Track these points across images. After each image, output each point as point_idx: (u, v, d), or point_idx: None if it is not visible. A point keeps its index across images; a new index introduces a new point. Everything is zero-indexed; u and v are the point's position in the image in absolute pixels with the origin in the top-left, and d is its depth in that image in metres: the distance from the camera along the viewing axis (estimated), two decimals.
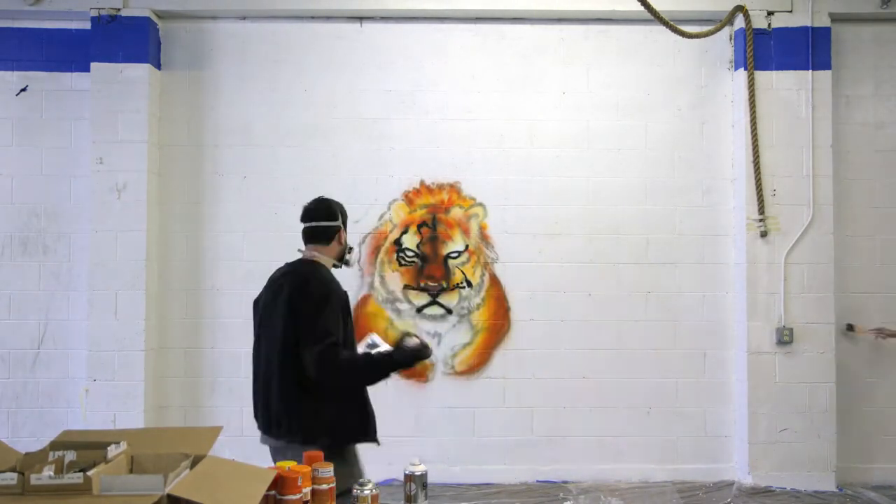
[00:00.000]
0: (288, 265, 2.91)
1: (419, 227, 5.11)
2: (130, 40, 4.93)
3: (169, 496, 1.63)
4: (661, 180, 5.12)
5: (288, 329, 2.66)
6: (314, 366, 2.58)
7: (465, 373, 5.06)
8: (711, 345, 5.08)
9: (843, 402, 4.95)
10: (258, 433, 3.74)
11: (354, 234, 5.07)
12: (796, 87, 4.98)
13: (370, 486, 2.19)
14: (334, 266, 2.91)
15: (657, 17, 4.29)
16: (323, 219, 2.85)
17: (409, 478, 2.33)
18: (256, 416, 2.86)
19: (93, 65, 4.94)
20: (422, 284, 5.06)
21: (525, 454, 5.00)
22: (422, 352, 2.72)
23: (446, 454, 4.99)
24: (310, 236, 2.89)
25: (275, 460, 2.71)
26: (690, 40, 4.85)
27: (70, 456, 1.82)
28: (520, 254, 5.09)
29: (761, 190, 4.91)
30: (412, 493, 2.33)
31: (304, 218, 2.89)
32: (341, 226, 2.89)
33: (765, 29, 5.01)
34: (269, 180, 5.11)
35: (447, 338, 5.06)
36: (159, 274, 5.05)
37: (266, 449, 2.89)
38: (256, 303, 2.96)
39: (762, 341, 4.90)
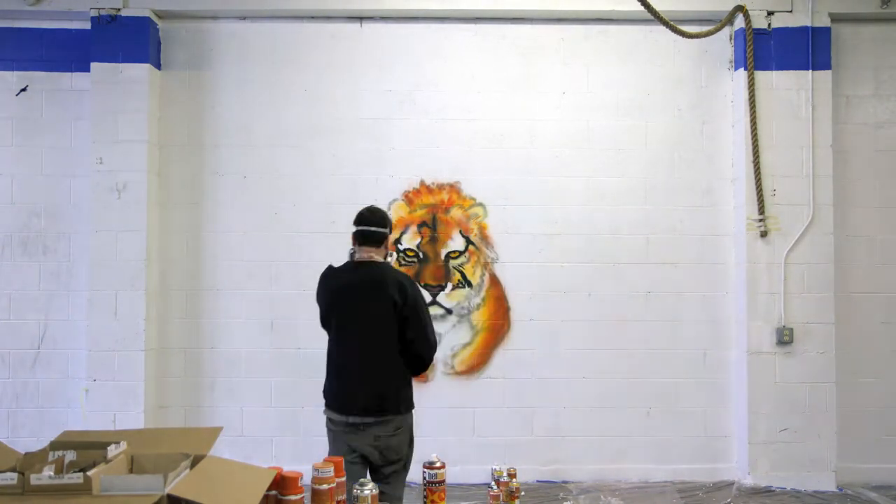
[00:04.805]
0: (360, 263, 3.08)
1: (419, 227, 5.10)
2: (130, 40, 4.93)
3: (169, 496, 1.63)
4: (661, 180, 5.12)
5: (393, 319, 2.96)
6: (429, 350, 3.04)
7: (465, 373, 5.05)
8: (711, 345, 5.08)
9: (843, 402, 4.95)
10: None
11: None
12: (796, 87, 4.98)
13: (370, 486, 2.19)
14: None
15: (657, 17, 4.29)
16: (378, 225, 3.11)
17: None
18: (346, 400, 2.98)
19: (93, 65, 4.94)
20: (422, 284, 5.06)
21: (525, 454, 5.00)
22: None
23: (446, 454, 4.96)
24: (364, 239, 3.10)
25: (349, 441, 2.96)
26: (690, 40, 4.85)
27: (70, 456, 1.82)
28: (520, 254, 5.08)
29: (761, 190, 4.91)
30: None
31: (360, 222, 3.11)
32: (389, 233, 3.17)
33: (765, 29, 5.01)
34: (269, 180, 5.11)
35: (447, 338, 5.05)
36: (159, 274, 5.05)
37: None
38: (328, 293, 3.12)
39: (762, 341, 4.90)
